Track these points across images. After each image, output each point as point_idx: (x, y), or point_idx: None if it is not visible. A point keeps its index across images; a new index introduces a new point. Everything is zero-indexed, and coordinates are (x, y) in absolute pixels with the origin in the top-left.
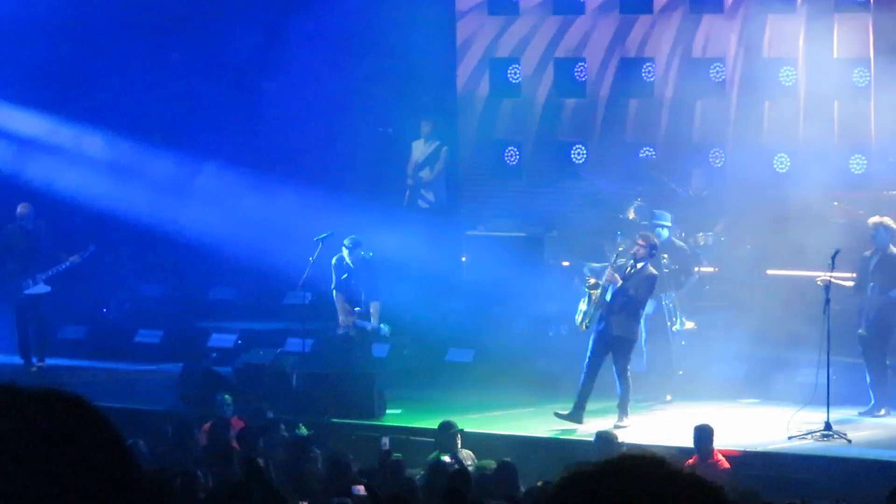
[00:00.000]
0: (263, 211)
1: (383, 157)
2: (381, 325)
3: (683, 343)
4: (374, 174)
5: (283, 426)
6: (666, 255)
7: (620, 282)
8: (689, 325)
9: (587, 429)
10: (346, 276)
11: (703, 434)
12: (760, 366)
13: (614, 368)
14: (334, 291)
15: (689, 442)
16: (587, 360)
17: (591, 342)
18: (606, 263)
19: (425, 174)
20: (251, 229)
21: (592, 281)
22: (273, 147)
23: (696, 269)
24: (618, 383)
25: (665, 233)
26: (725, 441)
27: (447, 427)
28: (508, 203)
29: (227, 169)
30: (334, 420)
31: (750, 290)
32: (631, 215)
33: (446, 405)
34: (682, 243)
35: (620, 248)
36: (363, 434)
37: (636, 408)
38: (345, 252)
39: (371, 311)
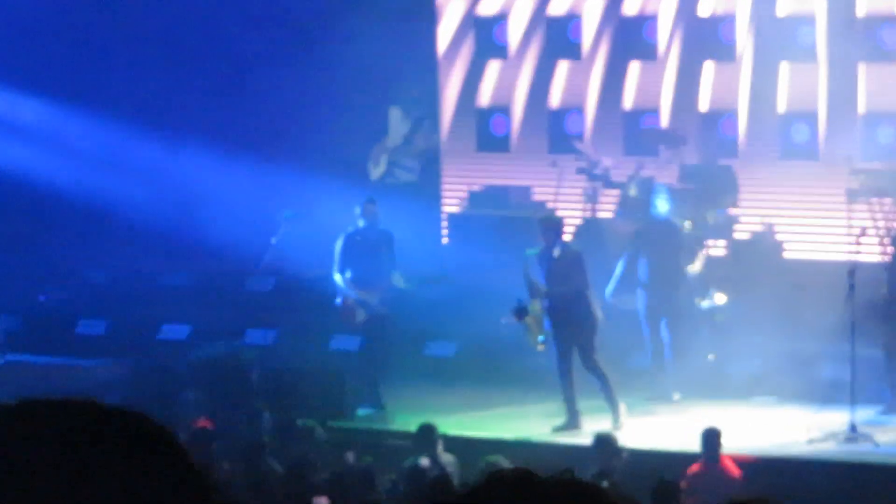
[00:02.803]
0: (222, 187)
1: (356, 126)
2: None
3: (721, 319)
4: (347, 145)
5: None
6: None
7: (545, 290)
8: (721, 297)
9: (591, 429)
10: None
11: (711, 437)
12: (777, 360)
13: (582, 363)
14: (349, 273)
15: (696, 446)
16: (557, 362)
17: (554, 346)
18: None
19: (403, 146)
20: (208, 207)
21: (527, 321)
22: (233, 117)
23: (704, 251)
24: (594, 378)
25: (663, 209)
26: (737, 444)
27: (427, 429)
28: (494, 178)
29: (182, 141)
30: (299, 421)
31: (766, 276)
32: (632, 191)
33: (425, 405)
34: (683, 222)
35: (526, 257)
36: (331, 437)
37: (640, 408)
38: (359, 218)
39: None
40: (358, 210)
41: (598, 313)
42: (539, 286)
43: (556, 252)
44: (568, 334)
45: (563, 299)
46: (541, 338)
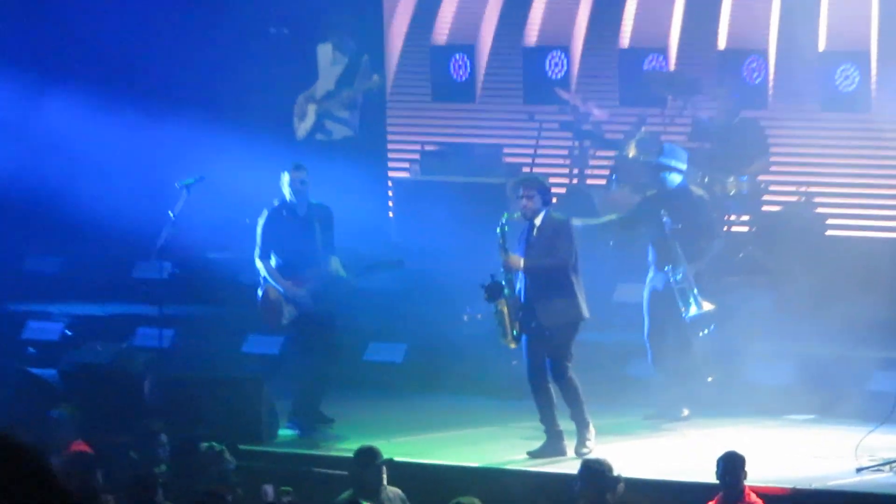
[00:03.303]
0: (101, 148)
1: (277, 70)
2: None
3: (704, 333)
4: (265, 95)
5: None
6: (664, 211)
7: (521, 261)
8: (707, 306)
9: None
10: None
11: (731, 464)
12: (817, 367)
13: (552, 373)
14: (274, 258)
15: (712, 475)
16: (527, 375)
17: (523, 351)
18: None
19: (336, 91)
20: (86, 175)
21: (485, 297)
22: (114, 56)
23: (725, 228)
24: (560, 388)
25: (676, 178)
26: (765, 474)
27: (368, 456)
28: (455, 134)
29: (45, 87)
30: (203, 445)
31: (802, 259)
32: (631, 151)
33: (366, 424)
34: (701, 192)
35: (503, 222)
36: (245, 465)
37: (641, 427)
38: (286, 189)
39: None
40: (285, 178)
41: (584, 308)
42: (509, 271)
43: (539, 220)
44: (539, 331)
45: (545, 287)
46: (515, 332)
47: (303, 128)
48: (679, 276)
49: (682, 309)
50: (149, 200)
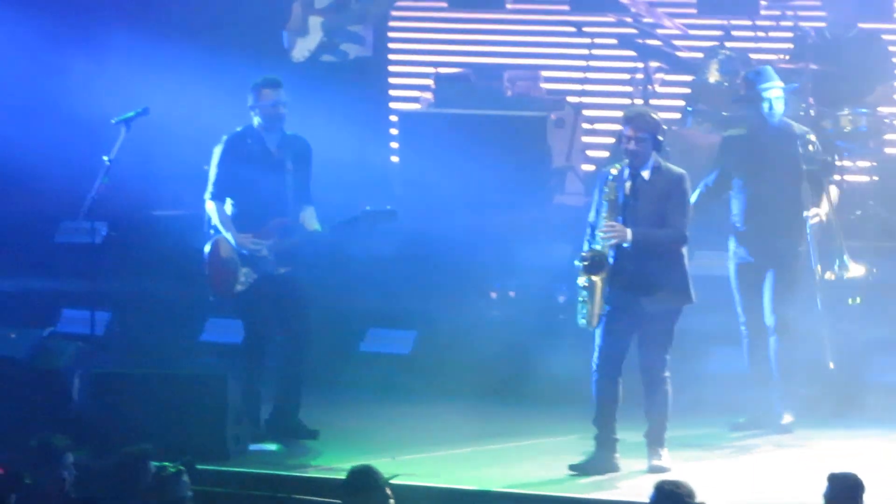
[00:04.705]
0: (13, 76)
1: None
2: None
3: (855, 301)
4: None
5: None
6: (813, 138)
7: (629, 233)
8: (857, 269)
9: (631, 476)
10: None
11: (845, 489)
12: None
13: (644, 367)
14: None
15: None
16: (597, 362)
17: (600, 334)
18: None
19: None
20: None
21: (582, 280)
22: None
23: (838, 177)
24: (648, 390)
25: (777, 111)
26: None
27: (365, 478)
28: (478, 53)
29: None
30: (152, 463)
31: None
32: (713, 76)
33: (363, 436)
34: (803, 127)
35: (613, 175)
36: (205, 489)
37: (727, 440)
38: (256, 113)
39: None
40: (251, 98)
41: (692, 293)
42: (607, 243)
43: (647, 172)
44: (638, 311)
45: (648, 252)
46: (605, 308)
47: (304, 46)
48: (809, 227)
49: (819, 266)
50: (77, 141)
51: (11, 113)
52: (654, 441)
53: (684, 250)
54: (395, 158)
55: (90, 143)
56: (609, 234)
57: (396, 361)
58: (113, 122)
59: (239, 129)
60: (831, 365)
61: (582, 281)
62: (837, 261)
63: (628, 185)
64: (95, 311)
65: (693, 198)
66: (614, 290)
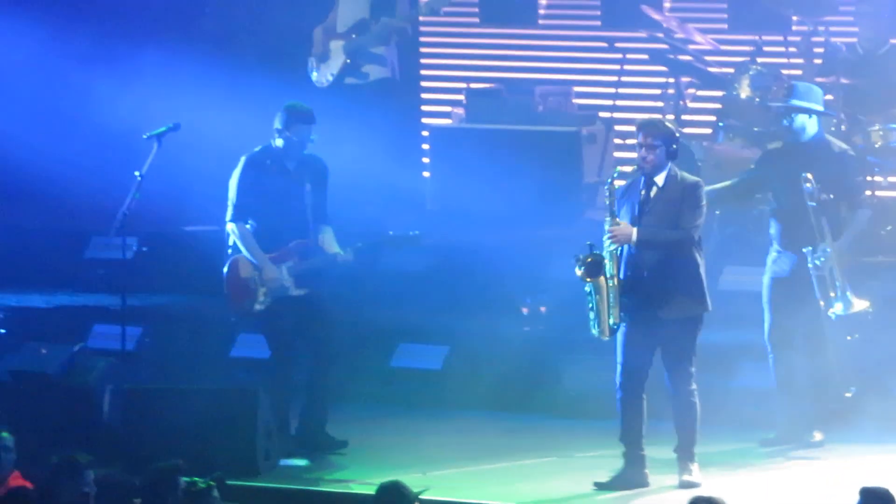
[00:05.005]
0: (49, 92)
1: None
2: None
3: (852, 338)
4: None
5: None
6: (810, 176)
7: (634, 233)
8: (860, 304)
9: (662, 491)
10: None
11: (878, 503)
12: None
13: (670, 381)
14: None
15: None
16: (619, 379)
17: (620, 350)
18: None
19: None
20: (26, 123)
21: (580, 273)
22: None
23: (869, 193)
24: (676, 404)
25: (811, 126)
26: None
27: (395, 493)
28: (509, 69)
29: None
30: (182, 480)
31: None
32: (744, 91)
33: (395, 450)
34: (843, 145)
35: (614, 177)
36: None
37: (757, 456)
38: (279, 137)
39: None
40: (280, 121)
41: (708, 301)
42: (613, 243)
43: (661, 179)
44: (654, 321)
45: (659, 257)
46: (612, 321)
47: (327, 71)
48: (821, 260)
49: (822, 302)
50: (108, 157)
51: (44, 129)
52: (685, 456)
53: (699, 258)
54: (426, 174)
55: (121, 158)
56: (611, 238)
57: (427, 377)
58: (144, 137)
59: (257, 149)
60: (848, 394)
61: (586, 286)
62: (840, 296)
63: (643, 192)
64: (126, 326)
65: (717, 186)
66: (630, 301)
